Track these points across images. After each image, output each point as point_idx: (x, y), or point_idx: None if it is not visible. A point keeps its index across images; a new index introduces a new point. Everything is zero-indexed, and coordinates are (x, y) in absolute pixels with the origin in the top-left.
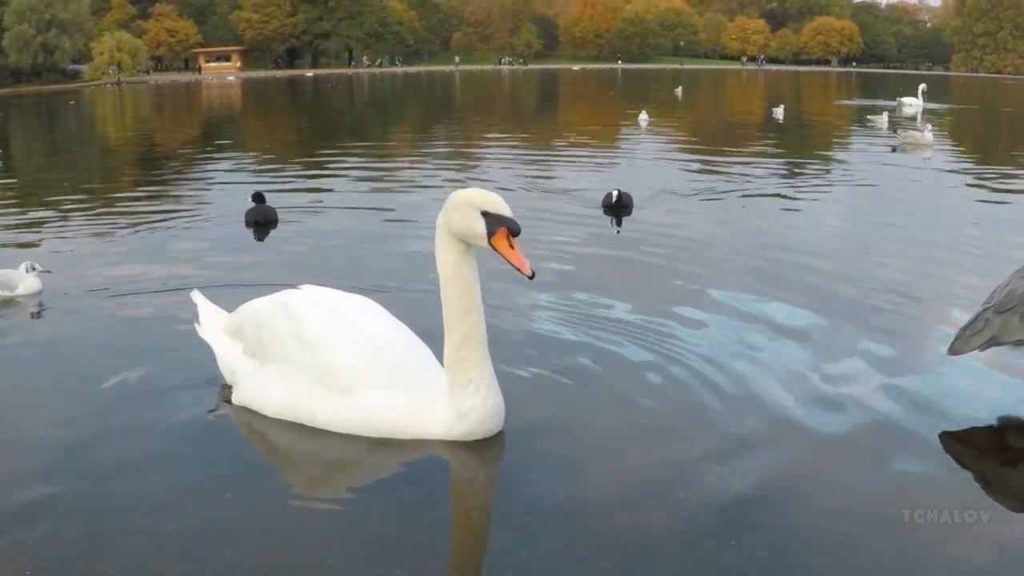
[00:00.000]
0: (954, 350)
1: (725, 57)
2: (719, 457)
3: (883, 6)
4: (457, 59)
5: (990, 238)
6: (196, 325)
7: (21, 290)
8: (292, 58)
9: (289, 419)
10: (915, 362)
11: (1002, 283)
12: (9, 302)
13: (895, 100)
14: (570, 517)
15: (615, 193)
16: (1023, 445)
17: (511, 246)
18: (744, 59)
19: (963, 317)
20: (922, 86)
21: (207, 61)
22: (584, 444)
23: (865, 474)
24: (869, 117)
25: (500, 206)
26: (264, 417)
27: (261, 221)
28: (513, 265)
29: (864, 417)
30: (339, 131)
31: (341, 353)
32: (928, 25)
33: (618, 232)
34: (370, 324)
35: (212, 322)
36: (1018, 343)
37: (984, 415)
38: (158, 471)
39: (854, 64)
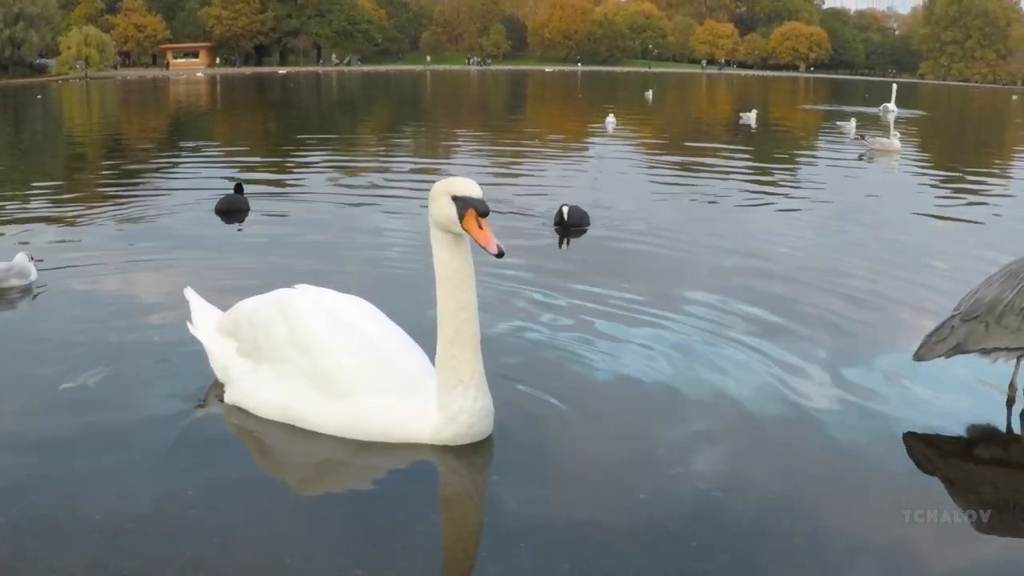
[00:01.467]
0: (919, 356)
1: (693, 61)
2: (681, 460)
3: (852, 13)
4: (429, 58)
5: (957, 245)
6: (188, 324)
7: (32, 278)
8: (260, 55)
9: (281, 420)
10: (880, 367)
11: (970, 291)
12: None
13: (879, 107)
14: (531, 519)
15: (565, 209)
16: (984, 451)
17: (480, 227)
18: (704, 63)
19: (929, 324)
20: (894, 86)
21: (175, 57)
22: (552, 448)
23: (826, 477)
24: (838, 123)
25: (468, 188)
26: (254, 416)
27: (232, 210)
28: (479, 244)
29: (827, 421)
30: (306, 129)
31: (335, 356)
32: (897, 32)
33: (565, 248)
34: (365, 326)
35: (205, 320)
36: (983, 351)
37: (948, 420)
38: (130, 469)
39: (812, 70)
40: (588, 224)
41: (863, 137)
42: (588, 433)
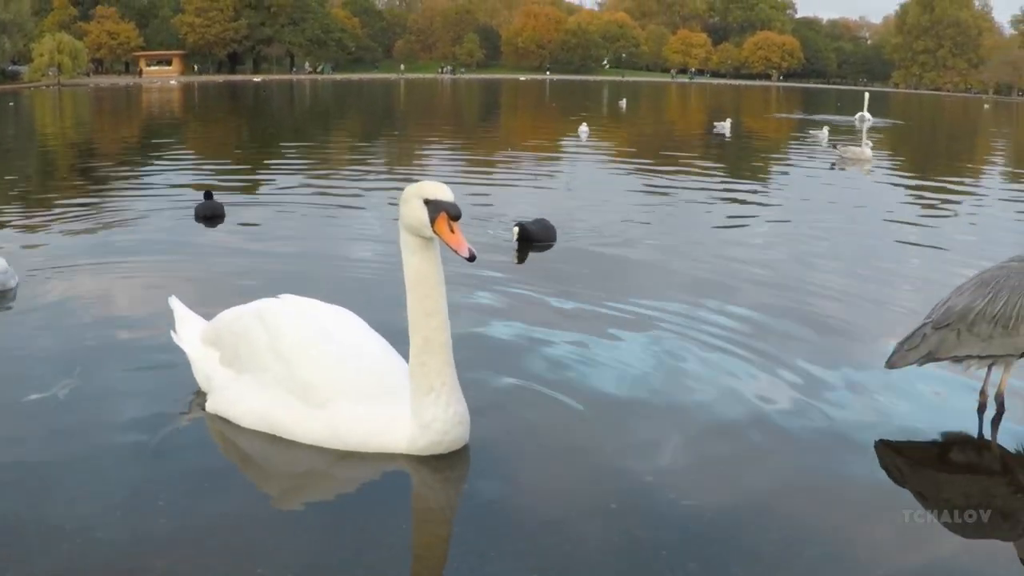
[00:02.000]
0: (892, 364)
1: (665, 70)
2: (652, 468)
3: (824, 22)
4: (403, 67)
5: (928, 253)
6: (172, 333)
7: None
8: (234, 63)
9: (262, 429)
10: (853, 375)
11: (941, 300)
12: None
13: (855, 116)
14: (503, 528)
15: (516, 230)
16: (957, 457)
17: (451, 230)
18: (674, 72)
19: (901, 331)
20: (866, 95)
21: (148, 65)
22: (526, 457)
23: (797, 486)
24: (811, 132)
25: (440, 192)
26: (235, 425)
27: (209, 215)
28: (451, 248)
29: (799, 429)
30: (280, 137)
31: (315, 366)
32: (869, 42)
33: (533, 258)
34: (346, 336)
35: (189, 329)
36: (955, 359)
37: (920, 427)
38: (103, 478)
39: (781, 78)
40: (553, 239)
41: (835, 146)
42: (562, 442)
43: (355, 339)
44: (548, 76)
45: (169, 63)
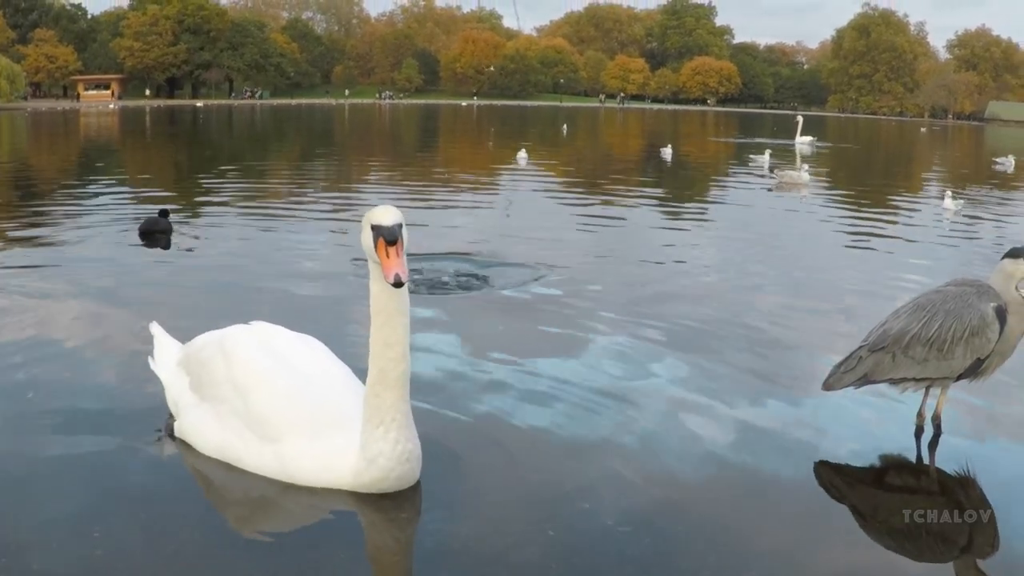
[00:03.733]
0: (828, 386)
1: (611, 95)
2: (590, 494)
3: (762, 47)
4: (348, 92)
5: (864, 276)
6: (150, 359)
7: None
8: (172, 88)
9: (219, 458)
10: (789, 398)
11: (878, 323)
12: None
13: (797, 140)
14: (442, 561)
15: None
16: (894, 479)
17: (387, 254)
18: (602, 97)
19: (837, 354)
20: (799, 120)
21: (86, 89)
22: (475, 491)
23: (735, 510)
24: (752, 156)
25: (382, 216)
26: (196, 452)
27: (155, 231)
28: (383, 271)
29: (736, 453)
30: (219, 161)
31: (267, 399)
32: (806, 67)
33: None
34: (307, 367)
35: (166, 355)
36: (892, 381)
37: (858, 449)
38: (42, 507)
39: (709, 102)
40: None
41: (771, 171)
42: (512, 472)
43: (315, 370)
44: (475, 102)
45: (107, 87)
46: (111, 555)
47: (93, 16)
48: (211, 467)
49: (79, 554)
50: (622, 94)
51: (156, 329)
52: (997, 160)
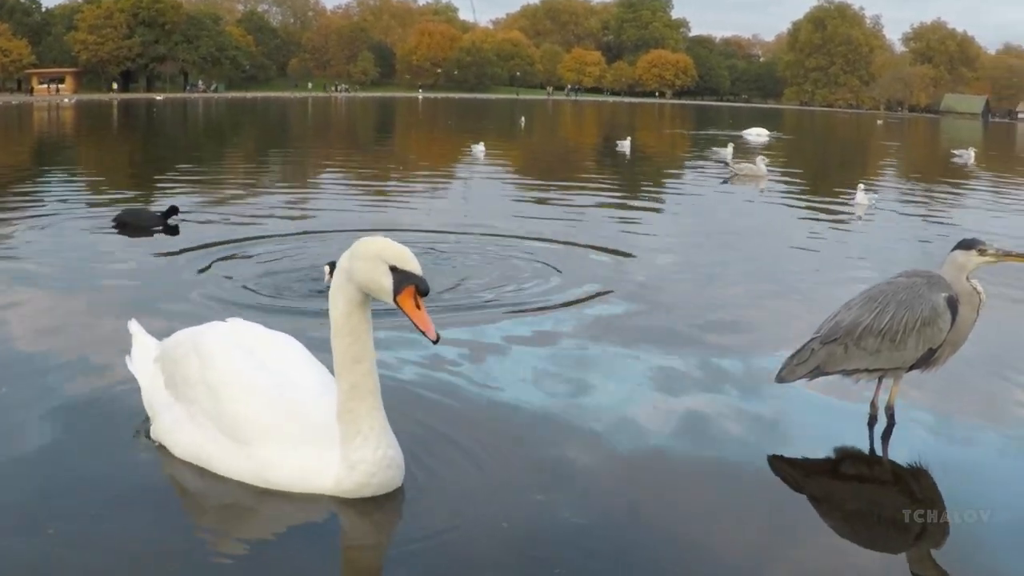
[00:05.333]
0: (781, 378)
1: (558, 88)
2: (543, 487)
3: (718, 40)
4: (311, 85)
5: (818, 267)
6: (127, 357)
7: None
8: (128, 81)
9: (192, 462)
10: (743, 390)
11: (830, 315)
12: None
13: (751, 131)
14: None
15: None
16: (848, 469)
17: (418, 306)
18: (550, 89)
19: (791, 346)
20: (750, 114)
21: (40, 83)
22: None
23: (690, 501)
24: (714, 149)
25: (410, 262)
26: (169, 454)
27: (133, 224)
28: (418, 327)
29: (691, 445)
30: (178, 158)
31: (242, 401)
32: (762, 59)
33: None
34: (283, 368)
35: (143, 354)
36: (845, 372)
37: (812, 441)
38: (4, 511)
39: (663, 95)
40: None
41: (727, 164)
42: (466, 466)
43: (292, 371)
44: (420, 94)
45: (62, 81)
46: (66, 557)
47: (47, 9)
48: (185, 471)
49: (40, 552)
50: (569, 87)
51: (134, 327)
52: (956, 153)
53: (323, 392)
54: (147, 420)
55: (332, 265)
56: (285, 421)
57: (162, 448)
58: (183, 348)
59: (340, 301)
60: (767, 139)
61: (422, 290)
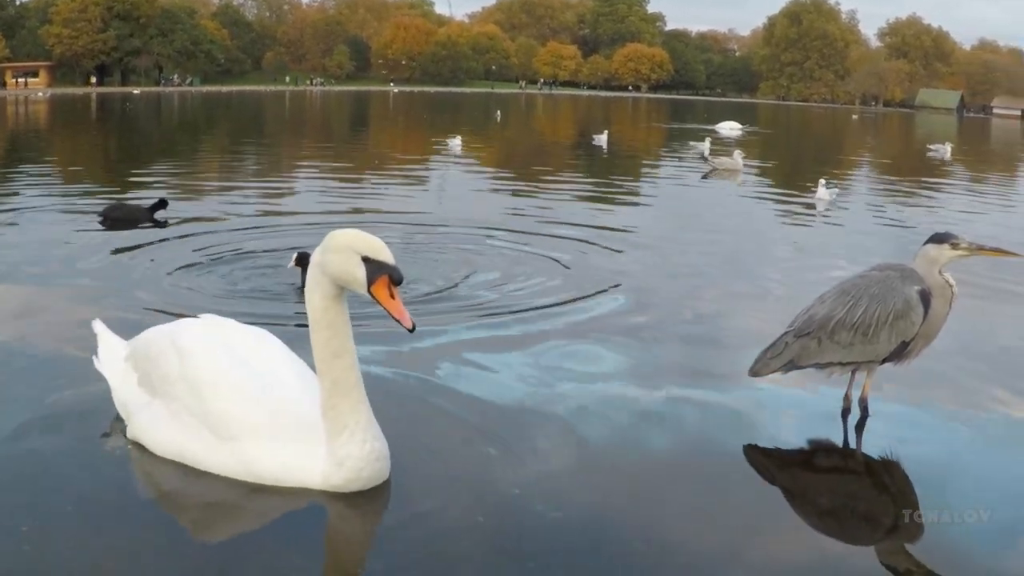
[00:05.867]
0: (755, 372)
1: (532, 82)
2: (519, 480)
3: (694, 35)
4: (288, 79)
5: (793, 261)
6: (94, 357)
7: None
8: (102, 75)
9: (175, 459)
10: (717, 384)
11: (803, 308)
12: None
13: (727, 125)
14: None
15: (293, 256)
16: (822, 461)
17: (392, 296)
18: (523, 83)
19: (765, 340)
20: (727, 107)
21: (14, 76)
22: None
23: (664, 493)
24: (692, 143)
25: (382, 252)
26: (149, 453)
27: (120, 218)
28: (393, 316)
29: (665, 438)
30: (152, 151)
31: (227, 397)
32: (737, 54)
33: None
34: (263, 363)
35: (111, 354)
36: (818, 366)
37: (786, 433)
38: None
39: (637, 88)
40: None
41: (705, 158)
42: (439, 460)
43: (272, 366)
44: (392, 88)
45: (36, 75)
46: (41, 556)
47: (21, 3)
48: (165, 468)
49: (13, 553)
50: (543, 80)
51: (99, 327)
52: (932, 147)
53: (306, 387)
54: (119, 419)
55: (300, 255)
56: (272, 415)
57: (139, 446)
58: (158, 345)
59: (316, 296)
60: (740, 133)
61: (396, 279)
